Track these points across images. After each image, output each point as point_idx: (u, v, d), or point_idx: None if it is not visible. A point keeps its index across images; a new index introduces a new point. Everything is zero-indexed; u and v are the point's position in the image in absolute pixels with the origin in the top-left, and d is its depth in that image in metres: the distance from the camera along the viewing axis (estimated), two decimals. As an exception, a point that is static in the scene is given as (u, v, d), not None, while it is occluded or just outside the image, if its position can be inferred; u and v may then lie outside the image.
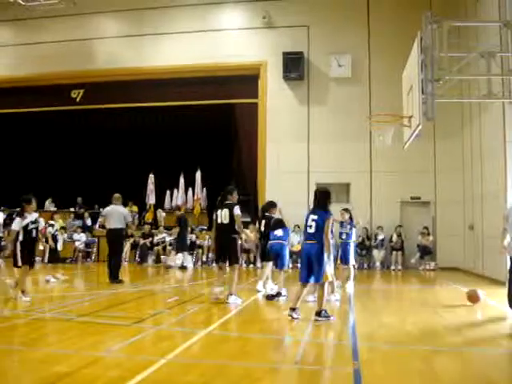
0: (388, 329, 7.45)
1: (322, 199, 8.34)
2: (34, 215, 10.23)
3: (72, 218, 22.38)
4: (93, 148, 23.29)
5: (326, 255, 7.94)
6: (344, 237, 12.46)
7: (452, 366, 5.67)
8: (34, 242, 10.18)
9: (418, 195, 19.68)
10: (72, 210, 23.00)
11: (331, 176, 19.84)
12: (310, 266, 7.98)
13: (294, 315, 7.97)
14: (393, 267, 18.81)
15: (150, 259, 20.17)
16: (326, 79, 20.59)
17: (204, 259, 19.94)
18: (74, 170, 23.20)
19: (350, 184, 20.02)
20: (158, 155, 22.51)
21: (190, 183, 22.61)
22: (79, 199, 23.27)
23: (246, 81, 21.44)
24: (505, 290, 13.02)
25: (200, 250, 19.97)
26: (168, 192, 23.05)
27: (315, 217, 8.11)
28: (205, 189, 22.40)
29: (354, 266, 12.78)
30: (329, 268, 8.08)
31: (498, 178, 14.66)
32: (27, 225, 9.91)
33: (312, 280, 8.02)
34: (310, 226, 8.10)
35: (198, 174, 22.17)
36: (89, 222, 22.02)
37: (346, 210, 12.63)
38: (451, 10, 17.99)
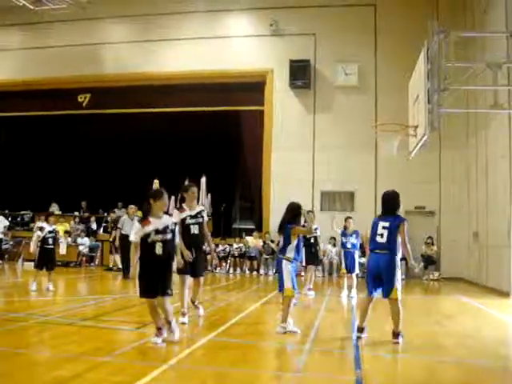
0: (391, 338, 7.43)
1: (392, 203, 7.58)
2: (53, 226, 12.22)
3: (76, 221, 22.38)
4: (98, 153, 23.28)
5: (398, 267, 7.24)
6: (349, 246, 12.48)
7: (454, 377, 5.66)
8: (50, 249, 12.06)
9: (422, 205, 19.66)
10: (76, 213, 23.02)
11: (336, 184, 19.89)
12: (379, 279, 7.22)
13: (363, 335, 7.24)
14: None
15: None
16: (332, 88, 20.62)
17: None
18: (78, 174, 23.17)
19: (354, 192, 20.01)
20: (163, 161, 22.48)
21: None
22: (84, 203, 23.28)
23: (253, 88, 21.50)
24: (508, 301, 13.09)
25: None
26: (173, 198, 23.05)
27: (386, 224, 7.30)
28: (209, 195, 22.40)
29: (357, 274, 12.80)
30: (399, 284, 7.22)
31: (503, 188, 14.64)
32: (45, 234, 11.86)
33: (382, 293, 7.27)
34: (381, 235, 7.29)
35: (203, 180, 22.18)
36: (94, 226, 22.03)
37: (351, 218, 12.64)
38: (458, 21, 18.04)
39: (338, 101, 20.58)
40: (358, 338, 7.16)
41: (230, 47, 21.35)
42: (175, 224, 6.93)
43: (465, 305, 12.37)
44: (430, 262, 18.94)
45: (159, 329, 6.60)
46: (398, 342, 6.93)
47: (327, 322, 9.16)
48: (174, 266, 7.04)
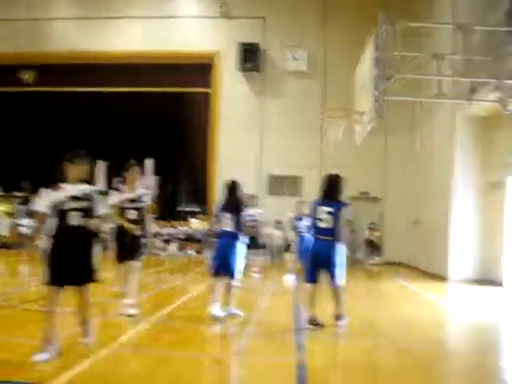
0: (332, 322, 7.54)
1: (338, 187, 7.18)
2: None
3: (18, 202, 21.79)
4: (42, 132, 22.67)
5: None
6: (303, 231, 12.49)
7: (392, 360, 5.80)
8: None
9: (367, 190, 19.97)
10: (18, 194, 22.40)
11: (283, 169, 20.00)
12: (322, 266, 7.04)
13: (315, 326, 7.00)
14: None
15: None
16: (280, 72, 20.63)
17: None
18: (21, 153, 22.55)
19: (301, 177, 20.14)
20: (109, 141, 22.09)
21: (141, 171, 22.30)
22: (25, 183, 22.66)
23: (201, 70, 21.29)
24: (445, 285, 13.48)
25: (150, 239, 19.82)
26: (117, 180, 22.69)
27: (330, 209, 6.96)
28: (155, 177, 22.14)
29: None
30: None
31: (444, 176, 15.01)
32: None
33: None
34: (325, 220, 6.98)
35: (149, 162, 21.87)
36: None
37: (303, 202, 12.60)
38: (407, 10, 18.23)
39: (286, 85, 20.61)
40: (310, 329, 6.89)
41: (179, 28, 21.02)
42: (100, 193, 5.83)
43: (405, 289, 12.67)
44: (373, 247, 19.30)
45: (47, 341, 5.08)
46: (341, 325, 6.92)
47: (271, 306, 9.23)
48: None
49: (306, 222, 12.47)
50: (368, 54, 9.87)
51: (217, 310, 7.24)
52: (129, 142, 21.39)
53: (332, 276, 6.99)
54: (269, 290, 11.09)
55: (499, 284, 13.05)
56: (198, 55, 20.85)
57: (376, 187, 20.03)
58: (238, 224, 7.46)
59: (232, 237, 7.42)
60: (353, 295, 10.57)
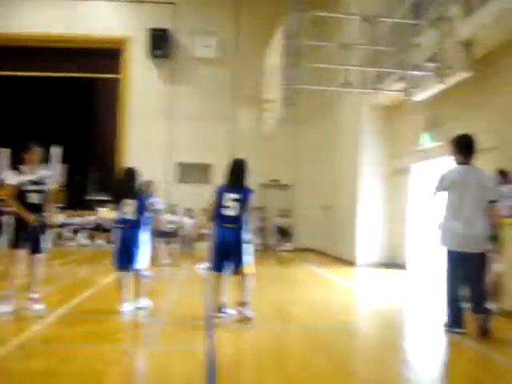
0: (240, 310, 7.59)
1: (244, 173, 6.98)
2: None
3: None
4: None
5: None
6: None
7: (300, 343, 5.90)
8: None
9: (278, 178, 20.18)
10: None
11: (193, 156, 19.90)
12: (228, 254, 6.82)
13: (225, 314, 6.93)
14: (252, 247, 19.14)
15: None
16: (191, 59, 20.44)
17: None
18: None
19: (211, 165, 20.09)
20: (14, 128, 21.23)
21: (46, 160, 21.55)
22: None
23: (110, 55, 20.75)
24: (354, 269, 13.86)
25: (57, 230, 19.20)
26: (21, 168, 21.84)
27: (236, 196, 6.78)
28: (63, 165, 21.46)
29: None
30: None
31: (352, 163, 15.40)
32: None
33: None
34: (230, 207, 6.78)
35: (56, 150, 21.15)
36: None
37: None
38: (317, 1, 18.48)
39: (197, 72, 20.45)
40: (218, 317, 6.81)
41: (87, 11, 20.30)
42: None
43: (315, 274, 12.92)
44: (284, 233, 19.58)
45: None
46: (244, 313, 6.73)
47: (181, 295, 9.16)
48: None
49: None
50: (277, 43, 9.93)
51: (126, 307, 7.05)
52: (35, 129, 20.61)
53: (237, 265, 6.79)
54: (180, 279, 11.02)
55: (403, 267, 13.57)
56: (107, 40, 20.28)
57: (287, 174, 20.28)
58: (139, 211, 7.20)
59: (132, 225, 7.16)
60: (264, 281, 10.69)
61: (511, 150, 8.99)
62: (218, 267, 6.89)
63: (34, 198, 7.03)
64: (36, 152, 7.30)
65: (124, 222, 7.15)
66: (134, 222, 7.17)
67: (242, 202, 6.77)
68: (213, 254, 6.94)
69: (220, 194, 6.86)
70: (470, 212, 6.25)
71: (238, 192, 6.79)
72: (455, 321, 6.35)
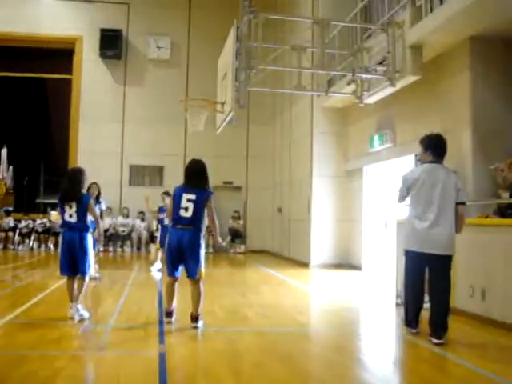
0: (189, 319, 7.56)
1: (203, 174, 6.78)
2: None
3: None
4: None
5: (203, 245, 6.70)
6: (166, 222, 12.50)
7: (254, 346, 5.90)
8: None
9: (230, 180, 20.19)
10: None
11: (145, 158, 19.76)
12: (181, 257, 6.59)
13: (172, 319, 6.75)
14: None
15: None
16: (144, 60, 20.30)
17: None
18: None
19: (164, 167, 20.00)
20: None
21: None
22: None
23: (61, 55, 20.45)
24: (308, 271, 13.96)
25: (5, 233, 18.75)
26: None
27: (192, 196, 6.57)
28: (11, 168, 21.00)
29: None
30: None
31: (304, 165, 15.51)
32: None
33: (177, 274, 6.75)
34: (186, 209, 6.57)
35: (4, 152, 20.70)
36: None
37: (167, 193, 12.53)
38: (271, 3, 18.56)
39: (149, 74, 20.32)
40: (168, 322, 6.66)
41: (38, 9, 19.87)
42: None
43: (268, 276, 12.96)
44: (236, 235, 19.59)
45: None
46: (197, 327, 6.51)
47: (133, 298, 9.05)
48: None
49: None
50: (230, 44, 9.90)
51: (76, 311, 6.80)
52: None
53: (192, 268, 6.58)
54: (133, 282, 10.89)
55: (358, 268, 13.74)
56: (59, 40, 19.94)
57: (239, 176, 20.33)
58: (82, 214, 6.94)
59: (76, 229, 6.91)
60: (217, 284, 10.68)
61: (460, 151, 9.19)
62: (170, 270, 6.73)
63: None
64: None
65: (67, 225, 6.94)
66: (77, 225, 6.92)
67: (199, 204, 6.56)
68: (166, 257, 6.81)
69: (176, 195, 6.68)
70: (436, 212, 6.06)
71: (194, 193, 6.59)
72: (411, 321, 6.33)
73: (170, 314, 6.77)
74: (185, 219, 6.54)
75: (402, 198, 6.42)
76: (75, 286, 6.95)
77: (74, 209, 6.87)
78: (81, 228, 6.93)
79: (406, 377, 5.23)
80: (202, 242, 6.68)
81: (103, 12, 20.07)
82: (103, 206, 11.57)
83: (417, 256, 6.17)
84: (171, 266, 6.69)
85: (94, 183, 11.58)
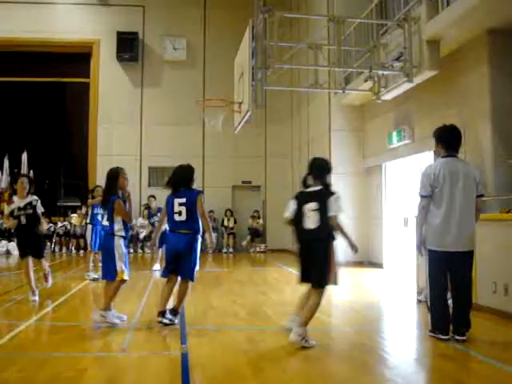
0: (216, 311, 7.58)
1: (185, 175, 6.89)
2: (28, 199, 8.56)
3: None
4: None
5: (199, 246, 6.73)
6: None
7: (276, 345, 5.88)
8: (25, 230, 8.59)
9: (249, 179, 20.20)
10: None
11: (164, 160, 19.76)
12: (179, 260, 6.70)
13: (164, 320, 6.65)
14: (224, 250, 19.19)
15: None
16: (160, 62, 20.40)
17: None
18: None
19: (182, 168, 20.06)
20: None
21: (15, 165, 21.29)
22: None
23: (79, 59, 20.65)
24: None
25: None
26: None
27: (182, 200, 6.68)
28: (32, 171, 21.19)
29: None
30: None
31: (324, 164, 15.43)
32: (12, 211, 8.59)
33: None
34: (179, 213, 6.68)
35: (25, 156, 20.91)
36: None
37: (153, 196, 12.54)
38: (285, 1, 18.55)
39: (166, 75, 20.40)
40: (159, 322, 6.60)
41: (55, 15, 20.09)
42: (36, 201, 8.55)
43: (289, 275, 12.92)
44: (256, 234, 19.59)
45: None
46: (164, 322, 6.53)
47: (154, 299, 9.07)
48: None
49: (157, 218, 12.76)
50: (246, 44, 9.92)
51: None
52: (3, 136, 20.42)
53: (186, 271, 6.66)
54: (153, 283, 10.92)
55: (379, 266, 13.66)
56: (76, 44, 20.16)
57: (258, 176, 20.34)
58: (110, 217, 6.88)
59: (106, 232, 7.01)
60: (238, 283, 10.69)
61: (479, 146, 9.12)
62: (165, 273, 6.85)
63: (23, 220, 8.52)
64: (22, 182, 8.68)
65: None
66: (107, 228, 6.98)
67: (189, 205, 6.65)
68: (165, 260, 6.95)
69: (168, 203, 6.78)
70: (460, 208, 5.86)
71: (183, 196, 6.68)
72: (439, 326, 6.01)
73: (162, 314, 6.65)
74: (181, 223, 6.64)
75: (426, 195, 6.05)
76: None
77: (104, 212, 6.99)
78: (108, 231, 6.97)
79: (428, 374, 5.20)
80: (199, 245, 6.72)
81: (119, 15, 20.20)
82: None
83: (443, 255, 5.95)
84: (167, 268, 6.82)
85: (99, 186, 11.73)
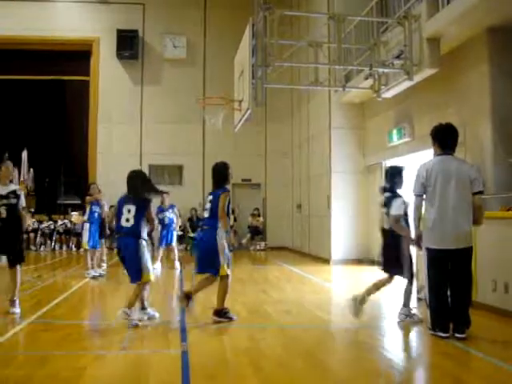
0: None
1: (218, 175, 7.22)
2: (11, 187, 7.39)
3: None
4: None
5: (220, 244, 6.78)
6: (167, 221, 12.79)
7: (276, 343, 5.89)
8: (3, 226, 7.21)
9: (249, 177, 20.20)
10: None
11: (164, 158, 19.83)
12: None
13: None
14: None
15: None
16: (160, 60, 20.38)
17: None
18: None
19: (182, 166, 20.07)
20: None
21: (15, 163, 21.23)
22: None
23: (78, 57, 20.59)
24: (328, 267, 13.92)
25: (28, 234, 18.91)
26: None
27: (210, 197, 6.96)
28: (32, 170, 21.16)
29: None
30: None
31: (323, 162, 15.45)
32: None
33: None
34: (206, 210, 6.95)
35: (25, 154, 20.87)
36: None
37: (167, 193, 12.67)
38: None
39: (166, 73, 20.38)
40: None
41: (55, 12, 20.04)
42: (21, 191, 7.30)
43: (289, 273, 12.95)
44: (256, 232, 19.60)
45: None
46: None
47: (154, 297, 9.09)
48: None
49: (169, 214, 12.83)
50: (246, 42, 9.91)
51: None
52: (2, 134, 20.38)
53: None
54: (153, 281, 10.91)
55: (379, 263, 13.62)
56: (75, 42, 20.11)
57: (258, 174, 20.35)
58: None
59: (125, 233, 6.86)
60: (238, 281, 10.68)
61: (479, 144, 9.12)
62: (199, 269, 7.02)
63: (3, 213, 7.10)
64: (6, 167, 7.34)
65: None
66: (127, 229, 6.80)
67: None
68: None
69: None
70: (453, 206, 5.87)
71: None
72: (439, 324, 5.98)
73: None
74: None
75: (419, 194, 6.13)
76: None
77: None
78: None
79: (428, 372, 5.20)
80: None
81: (119, 13, 20.17)
82: (106, 208, 11.79)
83: (439, 253, 5.96)
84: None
85: (94, 183, 11.76)
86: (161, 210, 12.89)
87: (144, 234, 6.74)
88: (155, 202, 13.44)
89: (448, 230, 5.91)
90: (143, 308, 6.88)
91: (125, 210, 6.69)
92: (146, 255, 6.71)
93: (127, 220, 6.65)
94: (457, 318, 5.95)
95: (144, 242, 6.71)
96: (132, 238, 6.64)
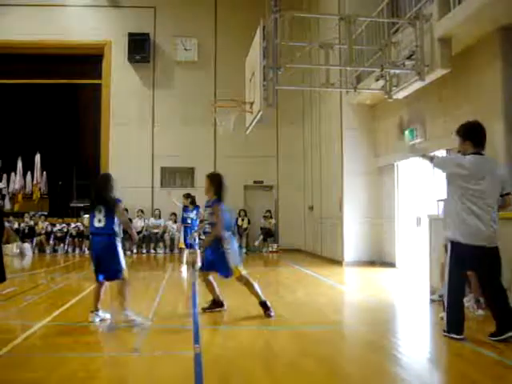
0: (229, 311, 7.57)
1: (214, 185, 7.86)
2: None
3: None
4: None
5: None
6: (189, 221, 12.77)
7: (289, 345, 5.88)
8: None
9: (261, 179, 20.21)
10: None
11: (176, 160, 19.89)
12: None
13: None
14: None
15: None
16: (171, 62, 20.45)
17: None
18: None
19: (194, 168, 20.10)
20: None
21: (28, 167, 21.39)
22: None
23: (90, 60, 20.75)
24: (341, 269, 13.89)
25: (41, 237, 19.03)
26: (5, 176, 21.70)
27: (101, 207, 6.91)
28: (45, 173, 21.30)
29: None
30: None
31: (335, 163, 15.42)
32: None
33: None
34: (98, 219, 6.93)
35: (38, 158, 21.02)
36: None
37: (188, 195, 12.77)
38: (296, 1, 18.51)
39: (177, 76, 20.45)
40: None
41: (66, 17, 20.19)
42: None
43: (302, 275, 12.92)
44: (268, 234, 19.58)
45: None
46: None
47: (167, 299, 9.11)
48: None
49: (192, 215, 12.85)
50: (257, 44, 9.92)
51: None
52: (16, 138, 20.53)
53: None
54: (166, 284, 10.96)
55: (392, 265, 13.61)
56: (87, 45, 20.25)
57: (270, 176, 20.34)
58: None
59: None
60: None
61: (492, 143, 9.05)
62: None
63: None
64: None
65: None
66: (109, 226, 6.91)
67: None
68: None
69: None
70: (489, 204, 5.78)
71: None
72: (455, 326, 5.90)
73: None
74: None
75: (449, 172, 6.05)
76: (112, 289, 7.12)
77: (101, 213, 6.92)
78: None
79: (442, 374, 5.16)
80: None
81: (130, 16, 20.28)
82: None
83: (470, 250, 5.81)
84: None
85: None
86: (186, 210, 12.95)
87: (118, 231, 6.89)
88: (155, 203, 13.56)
89: (484, 228, 5.78)
90: (97, 310, 6.91)
91: (96, 211, 6.86)
92: (121, 252, 6.87)
93: (99, 220, 6.81)
94: (504, 319, 5.84)
95: (118, 239, 6.86)
96: (106, 236, 6.79)
